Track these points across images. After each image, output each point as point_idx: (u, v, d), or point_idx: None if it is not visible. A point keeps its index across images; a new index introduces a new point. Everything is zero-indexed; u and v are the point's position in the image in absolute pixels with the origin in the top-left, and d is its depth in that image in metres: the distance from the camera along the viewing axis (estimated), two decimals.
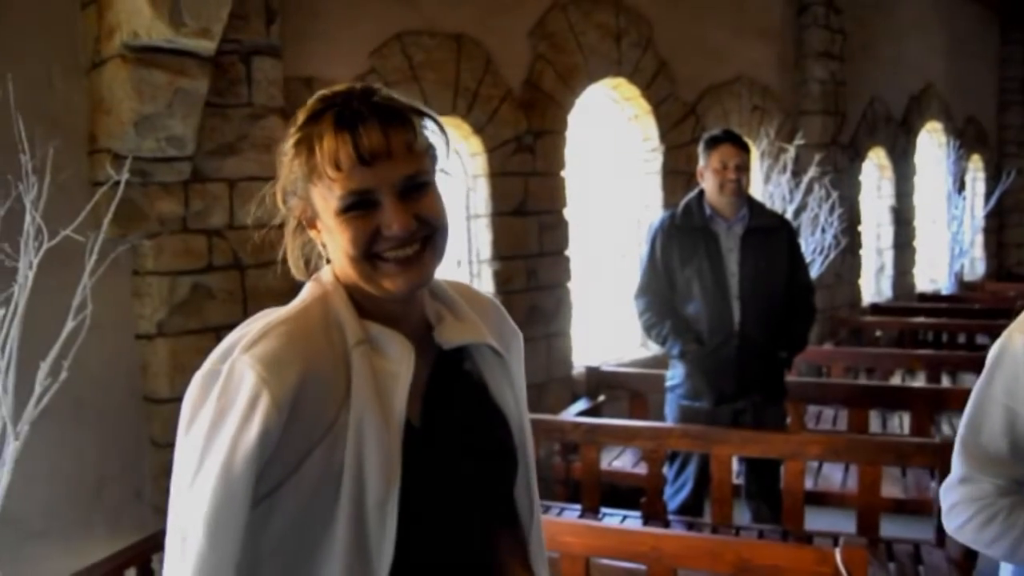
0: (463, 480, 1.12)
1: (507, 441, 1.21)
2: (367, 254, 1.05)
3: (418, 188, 1.05)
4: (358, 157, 1.01)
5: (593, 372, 4.77)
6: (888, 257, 8.75)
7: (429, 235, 1.07)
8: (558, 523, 2.68)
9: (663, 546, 2.42)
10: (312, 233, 1.12)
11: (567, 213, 5.07)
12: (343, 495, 1.01)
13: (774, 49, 6.90)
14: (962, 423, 1.42)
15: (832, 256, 6.44)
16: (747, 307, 3.43)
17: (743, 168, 3.41)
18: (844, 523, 3.61)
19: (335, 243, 1.07)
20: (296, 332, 1.03)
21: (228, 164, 3.31)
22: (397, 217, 1.04)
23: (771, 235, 3.49)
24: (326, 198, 1.05)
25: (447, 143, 1.12)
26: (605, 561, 2.62)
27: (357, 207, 1.04)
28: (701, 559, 2.37)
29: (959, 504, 1.38)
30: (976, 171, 10.69)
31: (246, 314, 1.10)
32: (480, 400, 1.19)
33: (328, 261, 1.13)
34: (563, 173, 5.05)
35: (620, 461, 4.56)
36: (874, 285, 8.65)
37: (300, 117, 1.07)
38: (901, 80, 8.78)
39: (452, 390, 1.16)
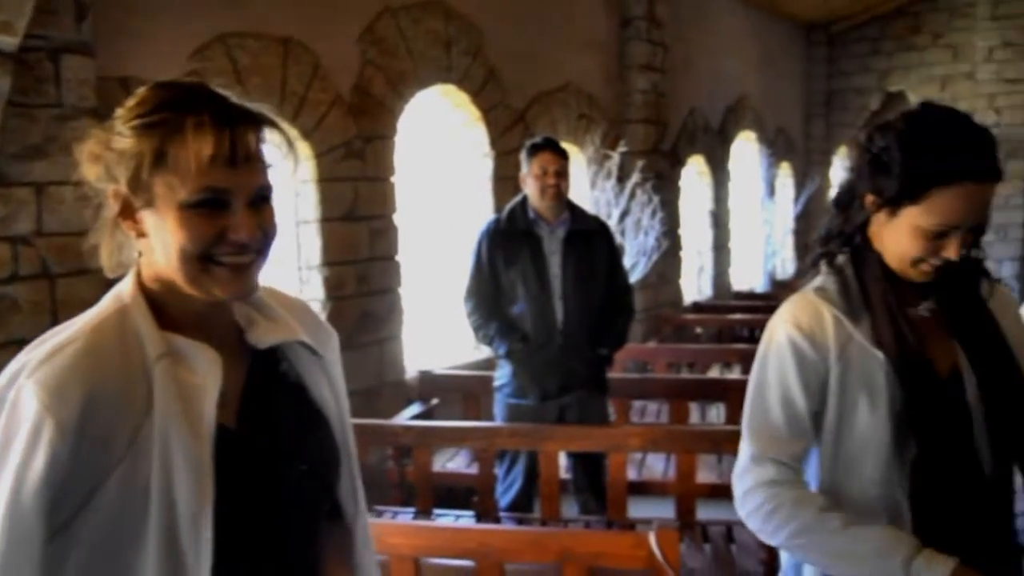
0: (283, 481, 1.12)
1: (328, 440, 1.22)
2: (203, 255, 1.03)
3: (264, 199, 1.06)
4: (230, 157, 1.00)
5: (426, 376, 4.82)
6: (708, 258, 9.29)
7: (262, 247, 1.07)
8: (386, 525, 2.72)
9: (490, 541, 2.50)
10: (126, 225, 1.07)
11: (397, 218, 5.11)
12: (152, 513, 0.99)
13: (600, 60, 7.20)
14: (745, 408, 1.56)
15: (655, 258, 6.79)
16: (569, 307, 3.59)
17: (563, 174, 3.57)
18: (666, 510, 3.83)
19: (164, 238, 1.03)
20: (84, 350, 1.00)
21: (35, 168, 3.15)
22: (246, 224, 1.03)
23: (592, 238, 3.68)
24: (173, 188, 1.01)
25: (294, 158, 1.14)
26: (435, 561, 2.67)
27: (207, 205, 1.01)
28: (527, 551, 2.47)
29: (750, 491, 1.50)
30: (785, 177, 11.53)
31: (56, 325, 1.07)
32: (299, 400, 1.20)
33: (139, 255, 1.10)
34: (393, 178, 5.09)
35: (454, 463, 4.64)
36: (695, 284, 9.18)
37: (152, 98, 1.04)
38: (718, 92, 9.35)
39: (270, 392, 1.16)
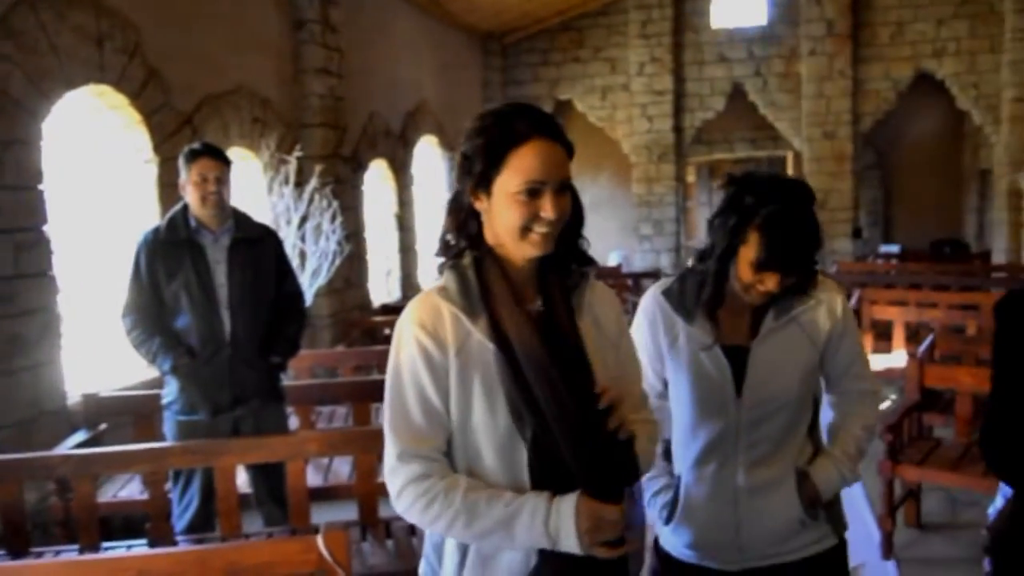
0: None
1: None
2: None
3: None
4: None
5: (91, 399, 4.45)
6: (395, 261, 9.47)
7: None
8: (35, 566, 2.50)
9: (151, 567, 2.37)
10: None
11: (49, 230, 4.67)
12: None
13: (274, 62, 7.07)
14: (385, 408, 1.61)
15: (338, 262, 6.80)
16: (237, 316, 3.51)
17: (223, 180, 3.48)
18: (353, 512, 3.86)
19: None
20: None
21: None
22: None
23: (258, 245, 3.62)
24: None
25: None
26: None
27: None
28: (191, 571, 2.38)
29: (404, 489, 1.57)
30: None
31: None
32: None
33: None
34: (41, 187, 4.64)
35: (127, 490, 4.34)
36: (384, 287, 9.32)
37: None
38: (398, 97, 9.55)
39: None
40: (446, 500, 1.54)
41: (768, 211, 1.89)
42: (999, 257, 11.14)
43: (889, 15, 11.92)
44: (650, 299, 2.15)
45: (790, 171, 15.72)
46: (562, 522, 1.52)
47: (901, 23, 11.87)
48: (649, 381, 2.15)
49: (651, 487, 2.16)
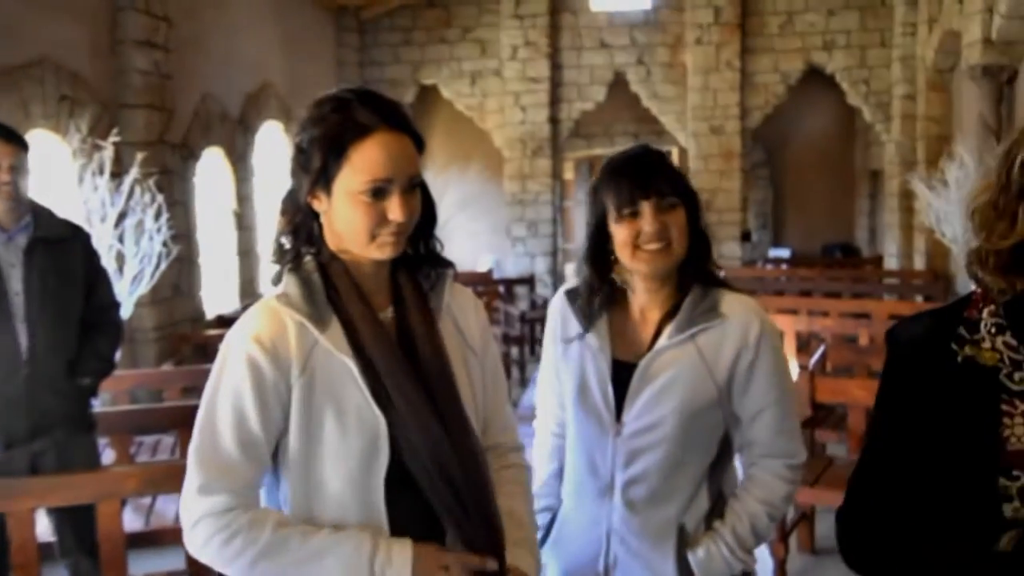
0: None
1: None
2: None
3: None
4: None
5: None
6: (233, 265, 9.20)
7: None
8: None
9: None
10: None
11: None
12: None
13: (86, 31, 6.74)
14: (195, 433, 1.55)
15: (164, 266, 6.54)
16: (36, 331, 3.31)
17: (18, 169, 3.28)
18: (180, 561, 3.70)
19: None
20: None
21: None
22: None
23: (62, 246, 3.42)
24: None
25: None
26: None
27: None
28: None
29: (199, 523, 1.50)
30: None
31: None
32: None
33: None
34: None
35: None
36: (220, 296, 9.02)
37: None
38: (236, 76, 9.28)
39: None
40: (251, 534, 1.49)
41: (608, 162, 1.96)
42: (891, 262, 11.79)
43: (779, 4, 12.45)
44: (554, 301, 2.15)
45: None
46: (393, 564, 1.50)
47: (791, 13, 12.42)
48: (551, 411, 2.16)
49: (538, 502, 2.15)
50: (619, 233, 1.91)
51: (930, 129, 10.45)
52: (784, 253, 14.47)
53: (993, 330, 1.39)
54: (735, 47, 12.40)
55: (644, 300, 2.00)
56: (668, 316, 1.97)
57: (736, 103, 12.50)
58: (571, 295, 2.07)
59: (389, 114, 1.53)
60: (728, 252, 12.64)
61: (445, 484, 1.55)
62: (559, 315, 2.10)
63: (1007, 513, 1.35)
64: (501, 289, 10.98)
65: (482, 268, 13.00)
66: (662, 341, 1.94)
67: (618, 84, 12.93)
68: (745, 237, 13.30)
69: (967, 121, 8.86)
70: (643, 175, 1.89)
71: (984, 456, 1.37)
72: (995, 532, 1.36)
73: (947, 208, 7.79)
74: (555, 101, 12.98)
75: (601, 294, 2.01)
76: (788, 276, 11.06)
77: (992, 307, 1.40)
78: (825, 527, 4.98)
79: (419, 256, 1.67)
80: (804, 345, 7.21)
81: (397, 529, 1.55)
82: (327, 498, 1.55)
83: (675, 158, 15.48)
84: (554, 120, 13.02)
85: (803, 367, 5.27)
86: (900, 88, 11.45)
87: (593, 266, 1.99)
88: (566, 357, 2.06)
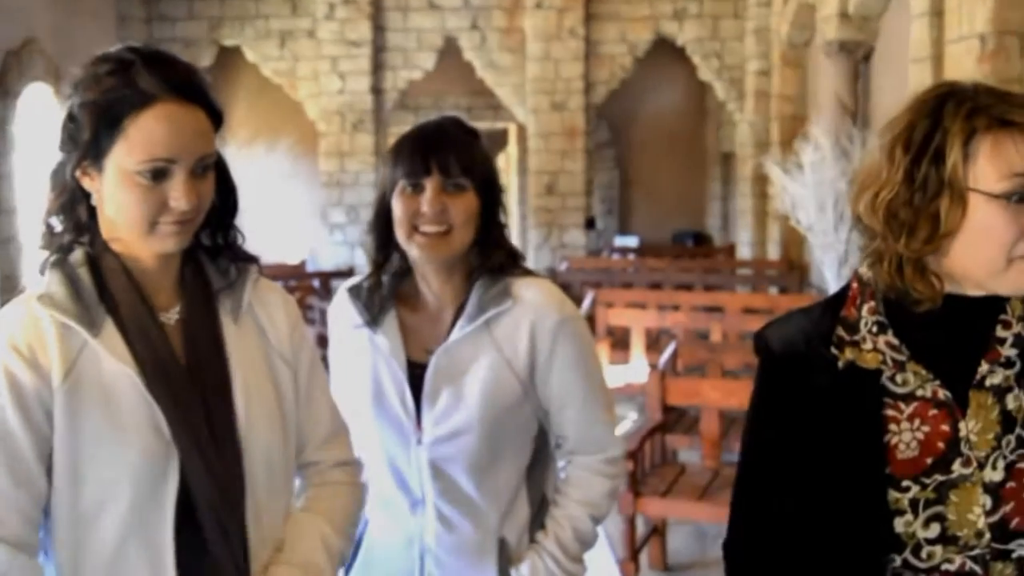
0: None
1: None
2: None
3: None
4: None
5: None
6: None
7: None
8: None
9: None
10: None
11: None
12: None
13: None
14: None
15: None
16: None
17: None
18: None
19: None
20: None
21: None
22: None
23: None
24: None
25: None
26: None
27: None
28: None
29: None
30: None
31: None
32: None
33: None
34: None
35: None
36: None
37: None
38: None
39: None
40: None
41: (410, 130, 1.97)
42: (744, 251, 12.31)
43: None
44: (335, 301, 2.12)
45: (513, 147, 16.44)
46: None
47: None
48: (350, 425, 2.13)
49: None
50: (397, 208, 1.91)
51: (784, 108, 10.96)
52: (632, 242, 14.89)
53: (874, 329, 1.44)
54: (579, 13, 12.63)
55: (436, 293, 2.00)
56: (462, 308, 1.97)
57: (580, 76, 12.74)
58: (354, 291, 2.04)
59: (178, 81, 1.45)
60: (571, 241, 12.90)
61: (213, 516, 1.51)
62: (340, 316, 2.07)
63: (899, 528, 1.41)
64: (316, 283, 10.81)
65: (293, 260, 12.76)
66: (454, 334, 1.94)
67: (450, 51, 12.96)
68: (589, 224, 13.58)
69: (823, 100, 9.32)
70: (432, 149, 1.89)
71: (872, 467, 1.41)
72: (889, 550, 1.41)
73: (802, 193, 8.15)
74: (378, 68, 12.89)
75: (387, 286, 2.00)
76: (636, 267, 11.38)
77: (871, 304, 1.44)
78: (678, 541, 5.16)
79: (217, 248, 1.62)
80: (654, 342, 7.44)
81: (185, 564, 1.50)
82: (103, 530, 1.46)
83: (512, 136, 15.69)
84: (377, 90, 12.92)
85: (653, 367, 5.43)
86: (754, 63, 11.94)
87: (377, 240, 1.99)
88: (357, 363, 2.03)
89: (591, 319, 7.67)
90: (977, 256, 1.35)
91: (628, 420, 7.41)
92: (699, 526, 5.27)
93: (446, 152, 1.89)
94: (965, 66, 5.06)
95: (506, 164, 16.79)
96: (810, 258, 9.84)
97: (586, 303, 8.05)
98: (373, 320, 1.99)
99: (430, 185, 1.88)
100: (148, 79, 1.43)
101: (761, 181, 10.95)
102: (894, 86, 7.47)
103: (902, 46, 6.65)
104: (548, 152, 12.81)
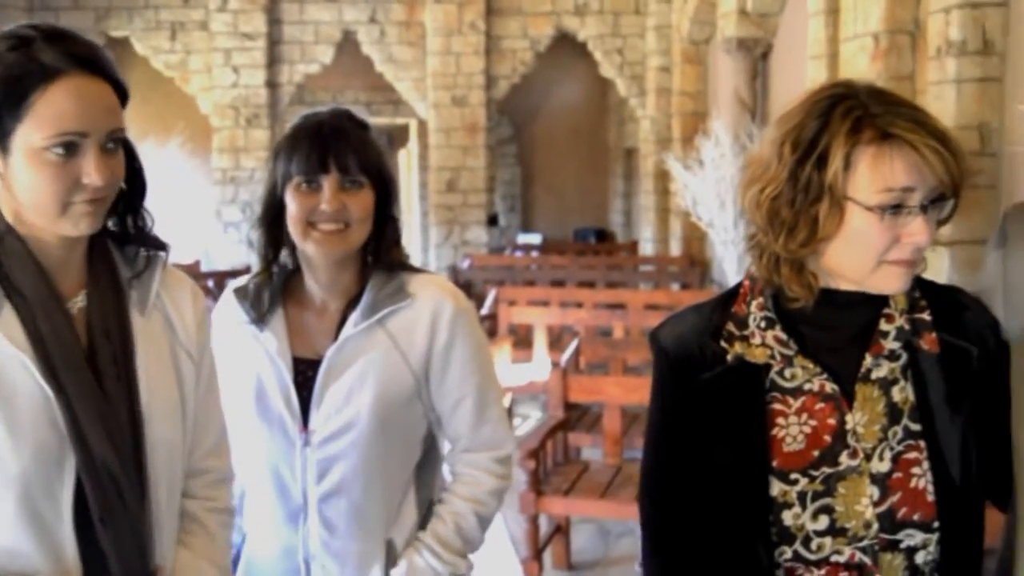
0: None
1: None
2: None
3: None
4: None
5: None
6: None
7: None
8: None
9: None
10: None
11: None
12: None
13: None
14: None
15: None
16: None
17: None
18: None
19: None
20: None
21: None
22: None
23: None
24: None
25: None
26: None
27: None
28: None
29: None
30: None
31: None
32: None
33: None
34: None
35: None
36: None
37: None
38: None
39: None
40: None
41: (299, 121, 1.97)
42: (647, 248, 12.49)
43: None
44: (220, 300, 2.10)
45: (413, 143, 16.39)
46: None
47: None
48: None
49: None
50: (292, 205, 1.89)
51: (685, 105, 11.13)
52: (535, 239, 14.96)
53: (763, 324, 1.49)
54: (479, 7, 12.65)
55: (324, 288, 1.99)
56: (352, 304, 1.97)
57: (481, 70, 12.77)
58: (241, 292, 2.02)
59: (83, 55, 1.44)
60: (474, 238, 12.92)
61: (108, 510, 1.48)
62: (229, 316, 2.03)
63: (787, 521, 1.45)
64: (211, 284, 10.62)
65: (187, 260, 12.54)
66: (347, 330, 1.94)
67: (348, 44, 12.87)
68: (492, 221, 13.64)
69: (723, 97, 9.51)
70: (329, 146, 1.89)
71: (756, 461, 1.46)
72: (779, 544, 1.46)
73: (703, 189, 8.30)
74: (274, 62, 12.74)
75: (276, 283, 1.99)
76: (539, 265, 11.45)
77: (760, 300, 1.49)
78: (581, 540, 5.21)
79: (125, 235, 1.59)
80: (557, 340, 7.50)
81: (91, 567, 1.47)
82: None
83: (413, 132, 15.63)
84: (272, 84, 12.78)
85: (555, 364, 5.47)
86: (655, 60, 12.11)
87: (267, 236, 1.97)
88: (239, 363, 2.00)
89: (493, 317, 7.71)
90: (851, 259, 1.41)
91: (531, 418, 7.46)
92: (602, 524, 5.33)
93: (344, 149, 1.89)
94: (859, 63, 5.21)
95: (407, 160, 16.74)
96: (711, 254, 10.02)
97: (488, 301, 8.08)
98: (260, 318, 1.98)
99: (328, 183, 1.87)
100: (51, 54, 1.41)
101: (663, 177, 11.12)
102: (792, 83, 7.64)
103: (800, 43, 6.83)
104: (449, 148, 12.81)
